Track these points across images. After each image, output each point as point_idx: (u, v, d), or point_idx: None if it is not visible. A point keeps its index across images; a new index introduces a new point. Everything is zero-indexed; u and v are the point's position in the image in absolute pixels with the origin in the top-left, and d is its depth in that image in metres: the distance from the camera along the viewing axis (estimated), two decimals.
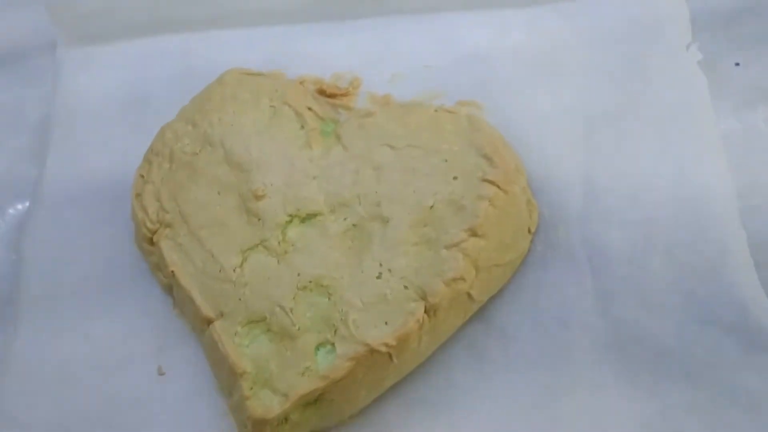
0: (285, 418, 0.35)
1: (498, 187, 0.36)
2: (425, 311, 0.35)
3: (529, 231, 0.38)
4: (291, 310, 0.36)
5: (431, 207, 0.37)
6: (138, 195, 0.40)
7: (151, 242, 0.40)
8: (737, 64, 0.43)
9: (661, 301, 0.36)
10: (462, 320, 0.38)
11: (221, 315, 0.37)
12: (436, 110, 0.39)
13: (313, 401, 0.35)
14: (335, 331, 0.35)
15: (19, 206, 0.46)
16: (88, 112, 0.46)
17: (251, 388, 0.35)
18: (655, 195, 0.38)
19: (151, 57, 0.48)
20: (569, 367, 0.36)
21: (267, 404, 0.35)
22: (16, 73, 0.50)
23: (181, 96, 0.44)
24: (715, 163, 0.39)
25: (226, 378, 0.37)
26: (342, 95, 0.42)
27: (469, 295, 0.36)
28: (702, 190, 0.38)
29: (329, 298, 0.36)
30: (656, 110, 0.40)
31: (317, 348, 0.35)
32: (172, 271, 0.38)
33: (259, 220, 0.38)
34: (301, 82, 0.42)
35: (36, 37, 0.50)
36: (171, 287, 0.40)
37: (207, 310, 0.37)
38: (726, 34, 0.44)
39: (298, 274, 0.37)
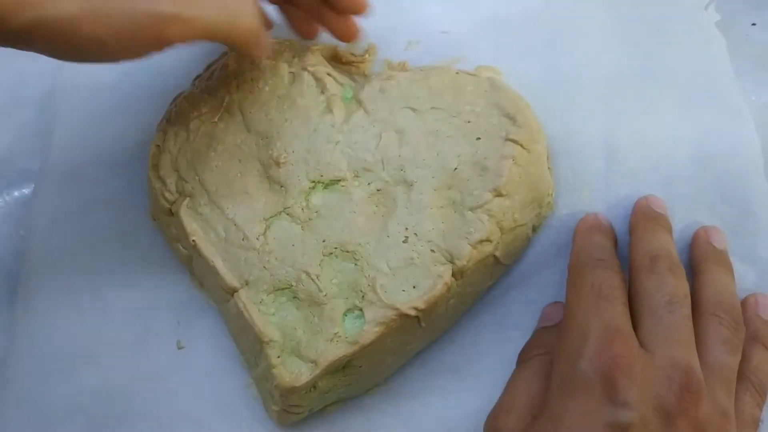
0: (313, 386, 0.35)
1: (521, 146, 0.36)
2: (452, 274, 0.35)
3: (548, 194, 0.38)
4: (317, 276, 0.35)
5: (455, 169, 0.36)
6: (154, 165, 0.39)
7: (170, 213, 0.39)
8: (754, 24, 0.43)
9: (684, 260, 0.36)
10: (488, 284, 0.38)
11: (246, 284, 0.36)
12: (457, 73, 0.39)
13: (341, 368, 0.35)
14: (363, 297, 0.35)
15: (26, 181, 0.45)
16: (94, 84, 0.45)
17: (278, 357, 0.35)
18: (677, 156, 0.38)
19: None
20: None
21: (295, 372, 0.34)
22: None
23: (190, 64, 0.42)
24: (740, 123, 0.39)
25: (252, 348, 0.36)
26: (358, 62, 0.42)
27: (495, 258, 0.36)
28: (725, 152, 0.38)
29: (356, 264, 0.36)
30: (676, 72, 0.40)
31: (345, 314, 0.35)
32: (194, 241, 0.37)
33: (282, 187, 0.38)
34: (317, 49, 0.41)
35: None
36: (190, 259, 0.39)
37: (231, 279, 0.36)
38: None
39: (323, 241, 0.36)
